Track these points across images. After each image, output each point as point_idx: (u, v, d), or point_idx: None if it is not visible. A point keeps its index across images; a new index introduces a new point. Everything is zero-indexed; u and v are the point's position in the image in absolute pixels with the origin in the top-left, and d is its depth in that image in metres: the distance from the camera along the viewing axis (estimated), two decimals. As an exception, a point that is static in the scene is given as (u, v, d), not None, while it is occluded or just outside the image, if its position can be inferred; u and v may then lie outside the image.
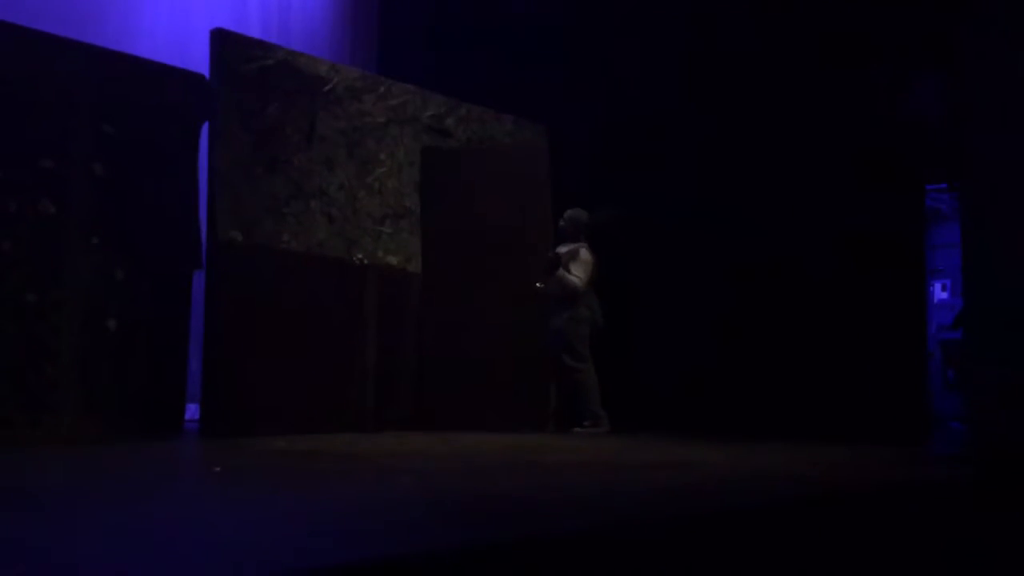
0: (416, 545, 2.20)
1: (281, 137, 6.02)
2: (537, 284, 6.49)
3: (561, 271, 6.54)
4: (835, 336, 6.56)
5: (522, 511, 2.85)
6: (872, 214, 6.44)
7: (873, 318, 6.44)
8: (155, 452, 4.82)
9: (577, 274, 6.56)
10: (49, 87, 5.23)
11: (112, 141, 5.46)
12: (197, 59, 6.04)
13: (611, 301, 6.84)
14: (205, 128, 5.86)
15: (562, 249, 6.68)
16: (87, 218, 5.33)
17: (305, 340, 5.96)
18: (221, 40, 5.84)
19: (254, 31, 7.24)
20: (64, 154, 5.27)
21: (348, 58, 8.19)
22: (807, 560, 2.80)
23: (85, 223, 5.32)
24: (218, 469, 4.09)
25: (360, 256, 6.38)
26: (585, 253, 6.65)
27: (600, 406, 6.53)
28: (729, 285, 6.98)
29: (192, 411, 6.10)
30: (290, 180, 6.04)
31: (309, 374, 5.95)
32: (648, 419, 6.72)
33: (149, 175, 5.62)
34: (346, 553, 2.07)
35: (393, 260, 6.57)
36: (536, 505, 2.98)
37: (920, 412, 6.49)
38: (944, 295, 11.14)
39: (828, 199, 6.67)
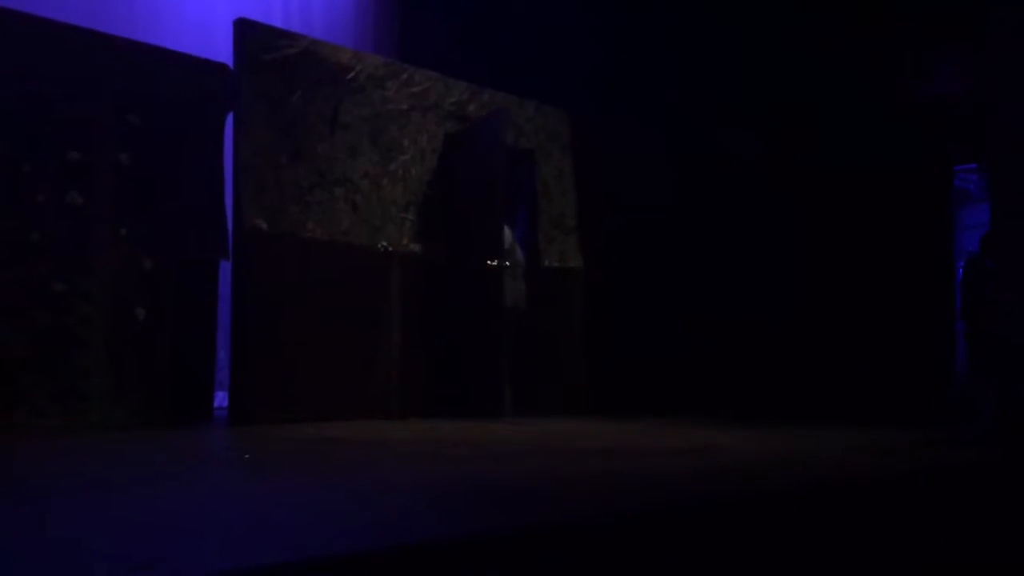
0: (445, 531, 2.22)
1: (305, 125, 6.04)
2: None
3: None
4: (860, 319, 6.51)
5: (551, 497, 2.85)
6: (899, 195, 6.38)
7: (900, 300, 6.39)
8: (184, 440, 4.87)
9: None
10: (75, 79, 5.28)
11: (138, 132, 5.50)
12: (221, 50, 6.06)
13: (626, 284, 6.82)
14: (230, 118, 5.89)
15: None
16: (114, 208, 5.38)
17: (331, 328, 5.99)
18: (244, 30, 5.86)
19: (277, 21, 7.26)
20: (91, 145, 5.31)
21: (370, 46, 8.19)
22: (834, 543, 2.79)
23: (112, 213, 5.37)
24: (248, 456, 4.13)
25: (384, 244, 6.40)
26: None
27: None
28: (749, 268, 6.94)
29: (221, 399, 6.16)
30: (314, 168, 6.06)
31: (335, 361, 5.99)
32: (663, 404, 6.71)
33: (175, 165, 5.66)
34: (378, 538, 2.08)
35: (417, 247, 6.58)
36: (564, 491, 2.99)
37: (946, 394, 6.44)
38: (973, 277, 10.98)
39: (854, 181, 6.60)
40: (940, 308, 6.50)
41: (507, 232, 6.81)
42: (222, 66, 5.90)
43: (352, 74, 6.35)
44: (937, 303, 6.47)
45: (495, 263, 6.27)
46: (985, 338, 6.17)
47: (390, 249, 6.41)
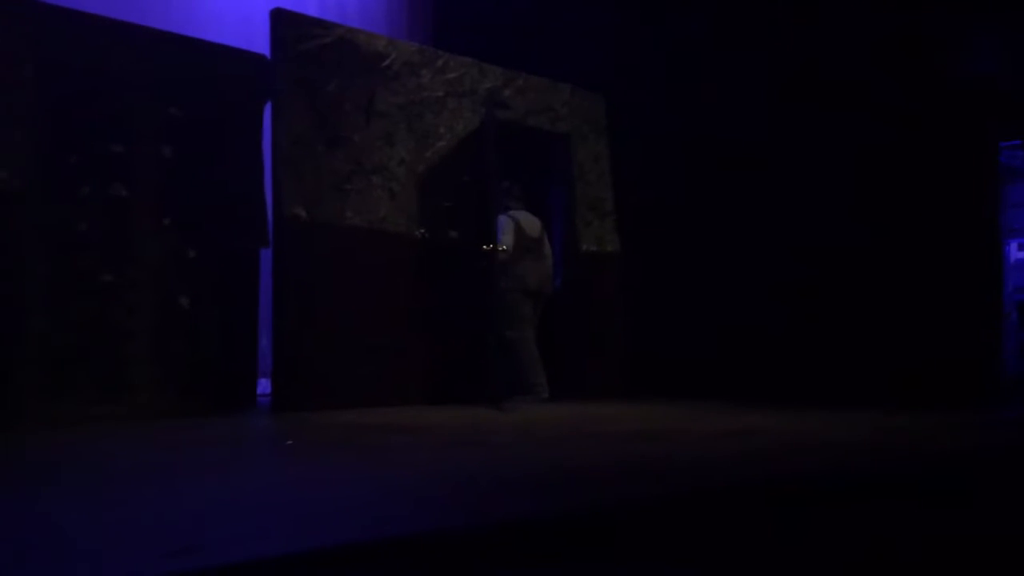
0: (490, 514, 2.24)
1: (341, 114, 6.08)
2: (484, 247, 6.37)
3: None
4: (903, 300, 6.42)
5: (592, 479, 2.86)
6: (942, 173, 6.27)
7: (944, 280, 6.29)
8: (229, 426, 4.95)
9: (501, 244, 6.53)
10: (116, 73, 5.36)
11: (178, 123, 5.58)
12: (258, 40, 6.11)
13: (664, 267, 6.79)
14: (268, 107, 5.94)
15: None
16: (157, 199, 5.47)
17: (368, 315, 6.04)
18: (281, 20, 5.91)
19: (312, 10, 7.29)
20: (133, 138, 5.40)
21: (405, 33, 8.21)
22: (880, 523, 2.77)
23: (155, 204, 5.46)
24: (290, 442, 4.19)
25: (422, 231, 6.43)
26: (503, 219, 6.61)
27: (537, 375, 6.51)
28: (790, 250, 6.87)
29: (264, 385, 6.24)
30: (351, 156, 6.10)
31: (373, 348, 6.03)
32: (701, 387, 6.68)
33: (215, 155, 5.73)
34: (423, 521, 2.11)
35: (454, 234, 6.60)
36: (607, 474, 3.00)
37: (991, 377, 6.33)
38: (1021, 254, 10.77)
39: (899, 159, 6.50)
40: (986, 288, 6.38)
41: (532, 218, 6.82)
42: (259, 56, 5.95)
43: (387, 61, 6.38)
44: (983, 283, 6.35)
45: (489, 248, 6.27)
46: None
47: (427, 236, 6.44)
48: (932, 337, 6.26)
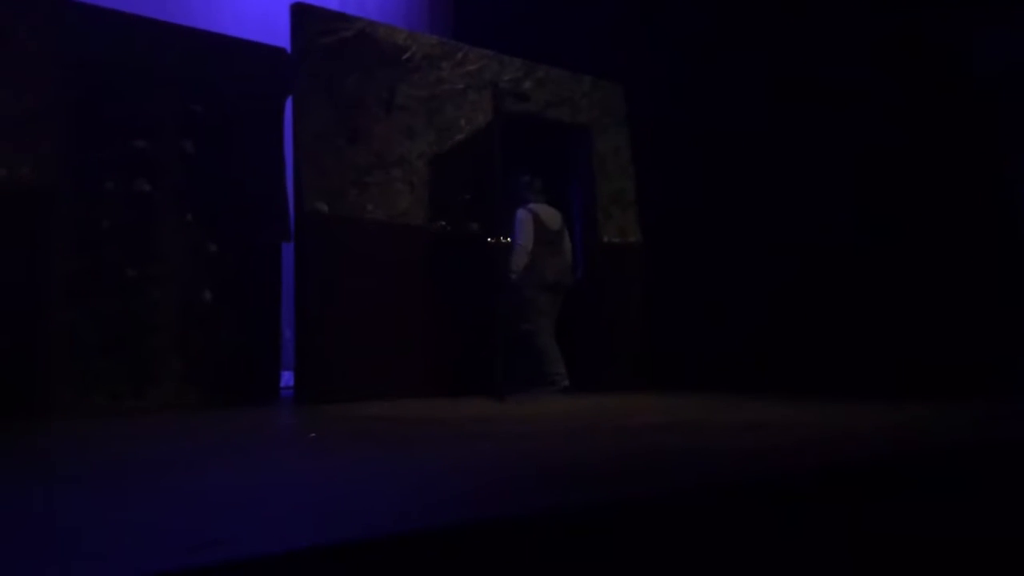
0: (511, 507, 2.24)
1: (361, 107, 6.10)
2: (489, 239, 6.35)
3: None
4: (925, 291, 6.36)
5: (615, 472, 2.86)
6: (969, 171, 6.21)
7: (968, 271, 6.23)
8: (253, 419, 4.99)
9: (518, 239, 6.57)
10: (139, 68, 5.40)
11: (200, 119, 5.61)
12: (278, 35, 6.14)
13: (686, 258, 6.75)
14: (289, 102, 5.97)
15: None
16: (179, 194, 5.51)
17: (389, 308, 6.06)
18: (301, 14, 5.93)
19: (332, 4, 7.31)
20: (155, 133, 5.44)
21: (425, 26, 8.21)
22: (906, 515, 2.76)
23: (178, 199, 5.50)
24: (313, 435, 4.21)
25: (443, 223, 6.43)
26: (521, 213, 6.63)
27: (557, 366, 6.51)
28: (813, 241, 6.82)
29: (287, 378, 6.29)
30: (371, 150, 6.11)
31: (393, 341, 6.05)
32: (723, 380, 6.65)
33: (236, 150, 5.76)
34: (445, 515, 2.11)
35: (476, 226, 6.60)
36: (628, 467, 3.00)
37: (1016, 366, 6.26)
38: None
39: (921, 155, 6.43)
40: (1012, 279, 6.31)
41: (553, 211, 6.82)
42: (280, 51, 5.98)
43: (407, 55, 6.38)
44: (1008, 273, 6.28)
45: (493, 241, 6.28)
46: None
47: (448, 229, 6.45)
48: (954, 330, 6.20)
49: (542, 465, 3.06)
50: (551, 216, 6.79)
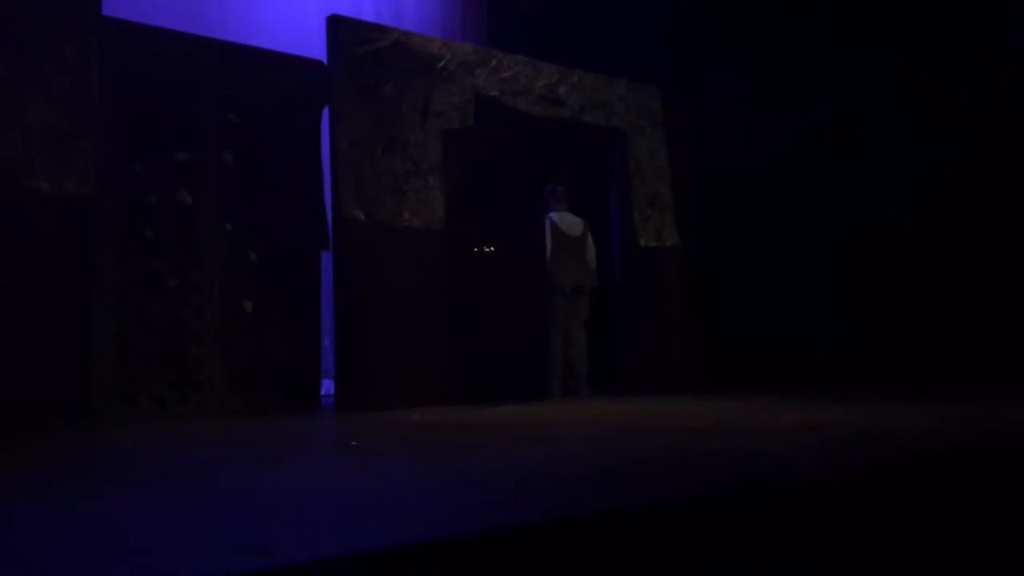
0: (559, 511, 2.24)
1: (398, 116, 6.14)
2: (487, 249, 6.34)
3: None
4: (978, 292, 6.25)
5: (656, 473, 2.85)
6: (1010, 168, 6.10)
7: (1013, 266, 6.11)
8: (294, 426, 5.03)
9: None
10: (179, 82, 5.48)
11: (239, 130, 5.68)
12: (315, 47, 6.20)
13: (726, 260, 6.69)
14: (326, 112, 6.02)
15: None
16: (220, 205, 5.58)
17: (426, 315, 6.07)
18: (337, 26, 5.99)
19: (367, 15, 7.37)
20: (196, 146, 5.52)
21: (459, 34, 8.25)
22: (960, 511, 2.71)
23: (218, 210, 5.57)
24: (355, 443, 4.22)
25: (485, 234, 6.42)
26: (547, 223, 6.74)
27: (554, 376, 6.57)
28: (852, 242, 6.74)
29: (327, 386, 6.32)
30: (408, 158, 6.15)
31: (431, 348, 6.06)
32: (766, 381, 6.59)
33: (275, 160, 5.82)
34: (489, 520, 2.11)
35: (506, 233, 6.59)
36: (668, 468, 2.98)
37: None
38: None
39: (961, 150, 6.33)
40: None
41: (573, 218, 6.83)
42: (317, 62, 6.04)
43: (442, 63, 6.42)
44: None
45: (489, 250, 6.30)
46: None
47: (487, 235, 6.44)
48: (1010, 329, 6.08)
49: (583, 468, 3.05)
50: (571, 223, 6.84)
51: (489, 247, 6.28)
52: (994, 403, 5.10)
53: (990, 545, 2.69)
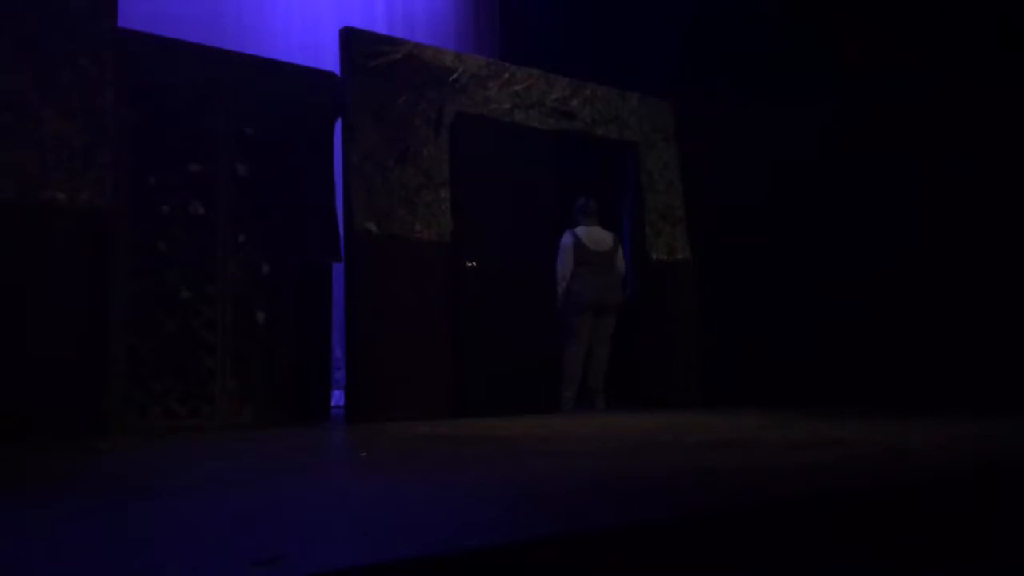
0: (566, 525, 2.22)
1: (410, 128, 6.15)
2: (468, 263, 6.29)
3: None
4: (992, 306, 6.21)
5: (667, 489, 2.83)
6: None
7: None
8: (306, 437, 5.02)
9: (557, 266, 6.76)
10: (193, 94, 5.51)
11: (252, 142, 5.70)
12: (328, 59, 6.23)
13: (739, 275, 6.67)
14: (338, 123, 6.04)
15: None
16: (233, 217, 5.59)
17: (438, 327, 6.07)
18: (350, 38, 6.01)
19: (380, 27, 7.41)
20: (209, 157, 5.54)
21: (472, 47, 8.28)
22: (974, 531, 2.68)
23: (231, 222, 5.58)
24: (364, 454, 4.22)
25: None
26: (565, 238, 6.80)
27: (569, 389, 6.62)
28: (868, 256, 6.70)
29: (338, 398, 6.32)
30: (420, 170, 6.16)
31: (445, 361, 6.06)
32: (778, 397, 6.55)
33: (287, 172, 5.84)
34: (503, 532, 2.10)
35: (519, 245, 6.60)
36: (682, 484, 2.96)
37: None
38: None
39: (974, 165, 6.30)
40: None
41: (603, 233, 6.83)
42: (329, 74, 6.06)
43: (455, 75, 6.43)
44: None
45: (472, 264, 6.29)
46: None
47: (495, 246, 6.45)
48: (1008, 344, 6.04)
49: (596, 481, 3.03)
50: (599, 239, 6.82)
51: (471, 262, 6.26)
52: (1007, 421, 5.06)
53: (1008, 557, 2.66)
